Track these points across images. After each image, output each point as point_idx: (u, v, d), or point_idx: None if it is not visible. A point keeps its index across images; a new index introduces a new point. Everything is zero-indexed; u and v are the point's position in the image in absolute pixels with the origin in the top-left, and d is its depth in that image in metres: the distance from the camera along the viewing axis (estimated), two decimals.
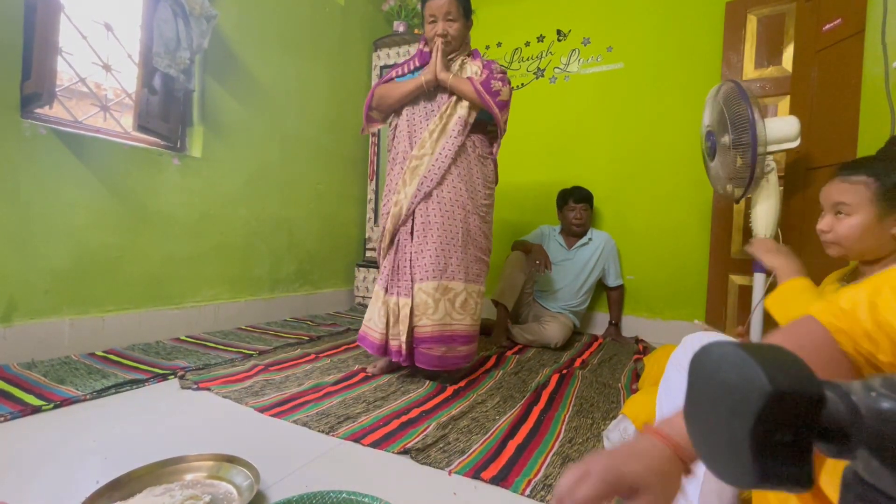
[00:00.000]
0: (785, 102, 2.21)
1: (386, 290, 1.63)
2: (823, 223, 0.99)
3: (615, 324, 2.69)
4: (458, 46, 1.67)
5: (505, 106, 1.65)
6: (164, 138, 2.06)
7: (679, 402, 0.67)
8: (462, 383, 1.62)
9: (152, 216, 1.96)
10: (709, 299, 2.44)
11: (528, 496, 0.94)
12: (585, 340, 2.52)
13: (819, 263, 1.27)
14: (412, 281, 1.59)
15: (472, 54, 1.73)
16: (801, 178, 1.96)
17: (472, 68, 1.67)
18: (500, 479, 0.99)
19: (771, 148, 1.63)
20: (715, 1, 2.51)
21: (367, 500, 0.84)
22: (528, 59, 3.08)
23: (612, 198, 2.80)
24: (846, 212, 0.95)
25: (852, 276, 1.04)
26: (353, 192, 3.20)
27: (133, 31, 1.98)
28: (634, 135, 2.75)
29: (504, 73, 1.68)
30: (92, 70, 1.88)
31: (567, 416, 1.39)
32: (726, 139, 1.64)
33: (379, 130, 3.26)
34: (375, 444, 1.13)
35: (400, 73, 1.74)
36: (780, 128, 1.64)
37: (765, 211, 1.72)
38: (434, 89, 1.66)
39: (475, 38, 3.22)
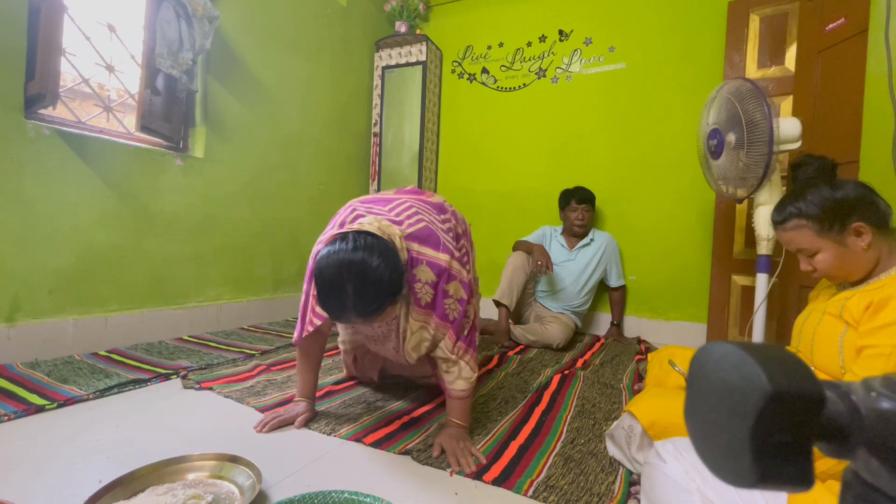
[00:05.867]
0: (788, 102, 2.20)
1: None
2: (803, 265, 1.01)
3: (617, 324, 2.69)
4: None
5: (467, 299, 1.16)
6: (166, 139, 2.07)
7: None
8: None
9: (155, 216, 1.97)
10: (711, 300, 2.44)
11: (531, 497, 0.94)
12: (587, 341, 2.52)
13: None
14: None
15: (411, 300, 1.10)
16: None
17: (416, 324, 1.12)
18: (502, 480, 0.99)
19: (780, 147, 1.63)
20: (717, 0, 2.51)
21: (368, 500, 0.84)
22: (529, 60, 3.08)
23: (614, 198, 2.80)
24: (810, 253, 0.97)
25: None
26: (355, 191, 3.21)
27: (136, 32, 1.99)
28: (636, 135, 2.74)
29: (451, 294, 1.10)
30: (95, 71, 1.89)
31: (569, 416, 1.39)
32: (736, 137, 1.63)
33: (381, 132, 3.27)
34: (377, 444, 1.13)
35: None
36: (786, 128, 1.63)
37: (767, 212, 1.71)
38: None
39: (477, 38, 3.24)
